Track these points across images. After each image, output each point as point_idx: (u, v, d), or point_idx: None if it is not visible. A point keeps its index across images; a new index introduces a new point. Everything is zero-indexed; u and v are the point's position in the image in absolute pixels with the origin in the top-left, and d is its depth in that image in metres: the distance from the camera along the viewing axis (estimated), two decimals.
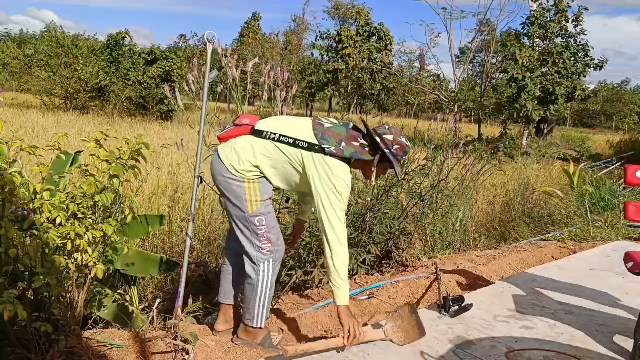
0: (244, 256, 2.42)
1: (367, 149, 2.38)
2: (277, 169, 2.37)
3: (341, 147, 2.29)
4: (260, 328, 2.43)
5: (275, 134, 2.35)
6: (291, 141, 2.33)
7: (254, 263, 2.38)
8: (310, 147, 2.30)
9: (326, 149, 2.28)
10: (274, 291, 2.46)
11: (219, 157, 2.37)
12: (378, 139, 2.36)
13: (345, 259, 2.32)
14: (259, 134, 2.35)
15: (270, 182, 2.39)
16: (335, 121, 2.45)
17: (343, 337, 2.36)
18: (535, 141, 17.77)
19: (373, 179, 2.50)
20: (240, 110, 2.73)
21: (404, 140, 2.41)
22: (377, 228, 3.54)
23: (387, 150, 2.37)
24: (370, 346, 2.48)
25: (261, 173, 2.36)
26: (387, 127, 2.43)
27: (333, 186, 2.27)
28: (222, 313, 2.64)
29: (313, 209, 2.69)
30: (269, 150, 2.34)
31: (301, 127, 2.37)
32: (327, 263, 2.32)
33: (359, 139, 2.38)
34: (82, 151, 3.01)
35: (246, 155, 2.32)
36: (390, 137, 2.38)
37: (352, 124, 2.47)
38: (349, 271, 3.30)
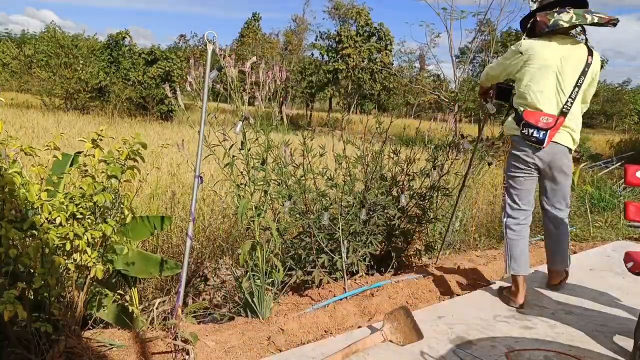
0: (565, 209, 3.16)
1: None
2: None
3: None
4: None
5: (568, 100, 2.84)
6: (577, 89, 2.84)
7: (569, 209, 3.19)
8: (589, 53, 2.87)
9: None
10: None
11: (564, 146, 2.91)
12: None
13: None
14: (563, 113, 2.84)
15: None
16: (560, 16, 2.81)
17: None
18: None
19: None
20: (239, 110, 2.72)
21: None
22: (375, 219, 3.54)
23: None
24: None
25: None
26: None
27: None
28: (522, 285, 3.12)
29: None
30: (579, 105, 2.93)
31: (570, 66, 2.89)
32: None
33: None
34: (82, 152, 3.01)
35: (576, 131, 2.94)
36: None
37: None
38: (349, 270, 3.32)
